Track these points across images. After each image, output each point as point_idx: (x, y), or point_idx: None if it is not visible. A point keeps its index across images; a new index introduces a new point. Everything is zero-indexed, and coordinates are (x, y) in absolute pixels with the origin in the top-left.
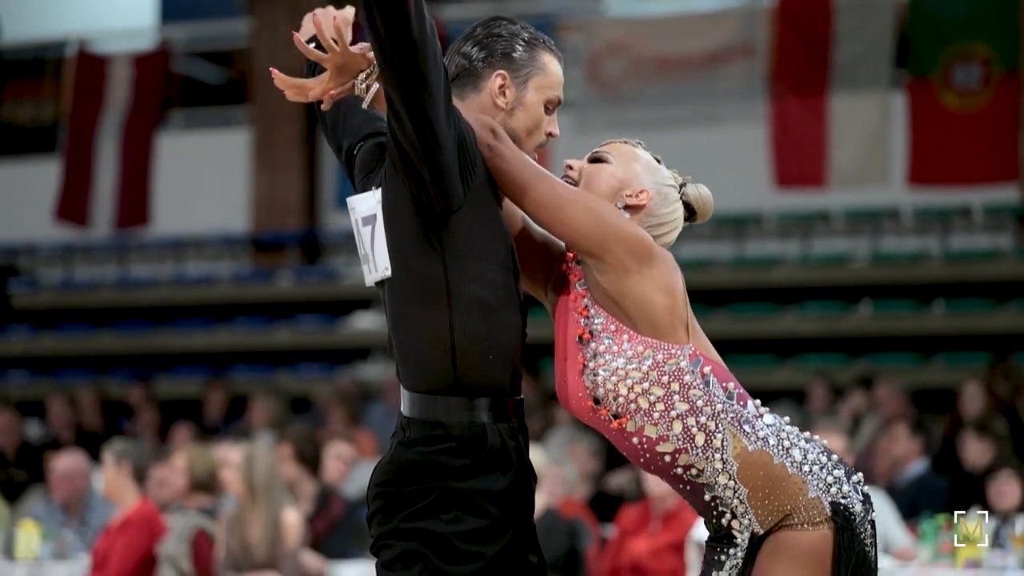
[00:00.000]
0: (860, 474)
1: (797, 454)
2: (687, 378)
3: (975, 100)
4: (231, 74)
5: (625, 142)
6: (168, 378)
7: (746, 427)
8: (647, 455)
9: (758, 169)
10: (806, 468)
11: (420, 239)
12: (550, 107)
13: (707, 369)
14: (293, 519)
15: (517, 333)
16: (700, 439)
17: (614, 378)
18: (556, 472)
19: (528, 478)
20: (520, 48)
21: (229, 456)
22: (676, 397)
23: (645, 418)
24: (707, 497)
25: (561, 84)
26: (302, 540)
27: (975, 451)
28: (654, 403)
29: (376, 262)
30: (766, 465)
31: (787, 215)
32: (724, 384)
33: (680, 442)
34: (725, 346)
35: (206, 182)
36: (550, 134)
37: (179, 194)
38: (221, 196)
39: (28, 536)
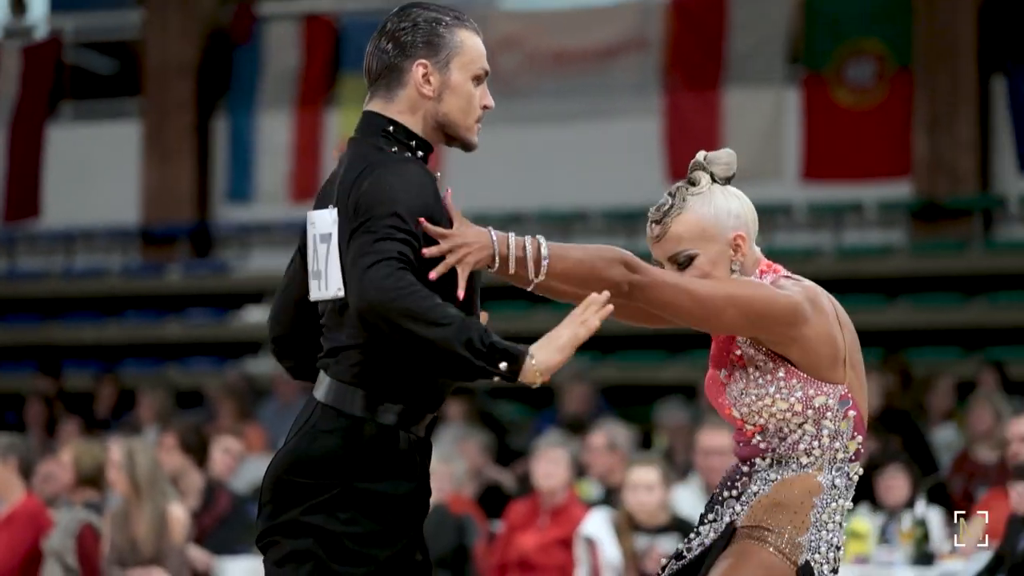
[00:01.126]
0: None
1: (826, 516)
2: (828, 415)
3: (868, 96)
4: (122, 65)
5: (667, 219)
6: (57, 372)
7: (833, 468)
8: (753, 447)
9: (652, 163)
10: (821, 527)
11: None
12: (478, 81)
13: (852, 414)
14: (179, 514)
15: None
16: (803, 458)
17: (759, 403)
18: (445, 469)
19: (427, 490)
20: (434, 32)
21: (112, 452)
22: (810, 428)
23: (777, 438)
24: (742, 475)
25: (483, 55)
26: (188, 535)
27: None
28: (792, 430)
29: (328, 281)
30: (805, 493)
31: None
32: (855, 434)
33: (790, 450)
34: (617, 342)
35: (96, 174)
36: (485, 106)
37: (69, 186)
38: (111, 188)
39: None
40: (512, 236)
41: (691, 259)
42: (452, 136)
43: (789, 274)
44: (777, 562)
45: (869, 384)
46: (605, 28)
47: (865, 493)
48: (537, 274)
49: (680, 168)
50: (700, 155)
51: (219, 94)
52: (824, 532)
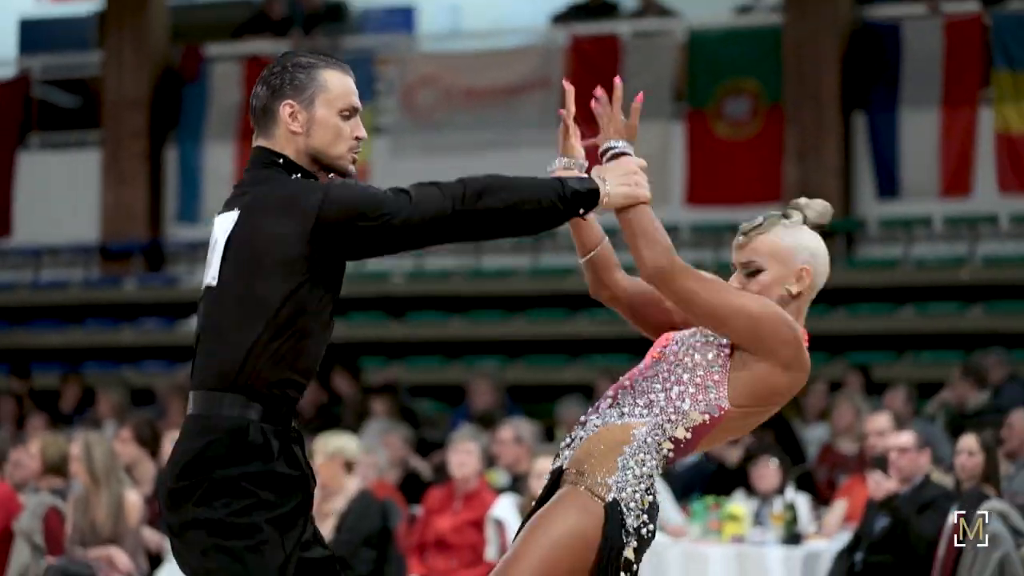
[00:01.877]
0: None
1: (633, 463)
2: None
3: (745, 129)
4: (83, 100)
5: (756, 233)
6: (25, 372)
7: (654, 431)
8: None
9: None
10: (627, 470)
11: (280, 266)
12: (346, 114)
13: (690, 431)
14: (134, 500)
15: (317, 358)
16: (637, 409)
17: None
18: (369, 459)
19: (293, 468)
20: (299, 74)
21: (74, 447)
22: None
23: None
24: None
25: (349, 92)
26: (143, 518)
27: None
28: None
29: (210, 270)
30: (616, 442)
31: None
32: (682, 442)
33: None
34: (524, 347)
35: (60, 197)
36: (357, 137)
37: (36, 208)
38: (74, 209)
39: None
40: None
41: (758, 271)
42: (326, 165)
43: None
44: (587, 500)
45: None
46: (512, 69)
47: (741, 480)
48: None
49: None
50: (802, 199)
51: (170, 126)
52: (630, 474)
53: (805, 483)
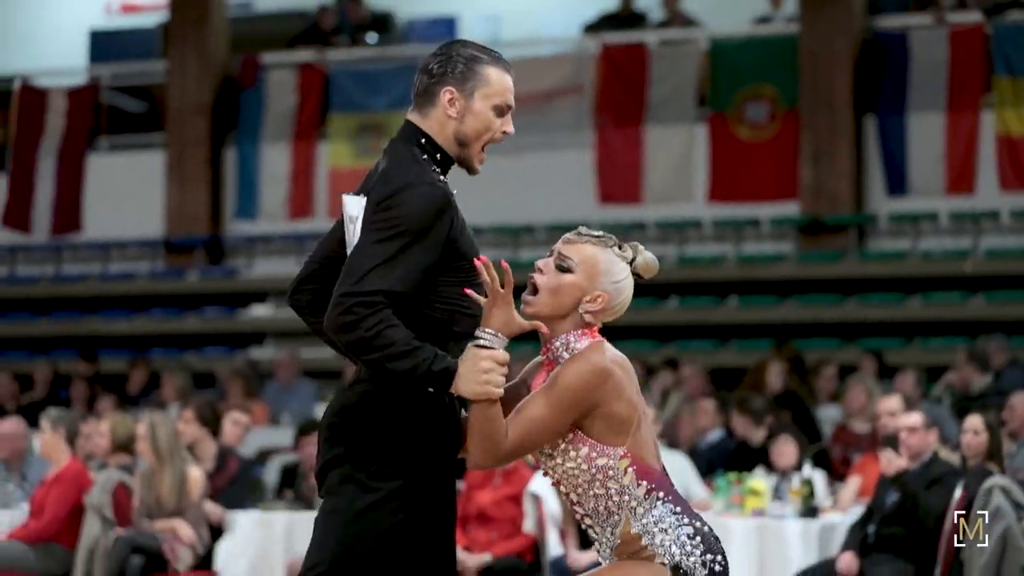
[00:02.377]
0: (720, 557)
1: (662, 527)
2: (611, 473)
3: (763, 132)
4: (149, 106)
5: (588, 242)
6: (95, 357)
7: (640, 510)
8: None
9: (585, 187)
10: (664, 534)
11: None
12: (499, 111)
13: (631, 470)
14: (196, 475)
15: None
16: (604, 513)
17: (550, 462)
18: None
19: (453, 426)
20: (462, 65)
21: (140, 426)
22: (598, 489)
23: (575, 492)
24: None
25: (507, 91)
26: (204, 493)
27: (739, 424)
28: (587, 488)
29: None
30: (637, 541)
31: (608, 226)
32: (639, 481)
33: (592, 511)
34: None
35: (128, 195)
36: (505, 132)
37: (105, 205)
38: (140, 207)
39: None
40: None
41: (568, 270)
42: (464, 157)
43: (602, 339)
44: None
45: (771, 368)
46: (547, 75)
47: (761, 458)
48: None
49: (608, 190)
50: (640, 247)
51: (229, 129)
52: (669, 534)
53: (821, 460)
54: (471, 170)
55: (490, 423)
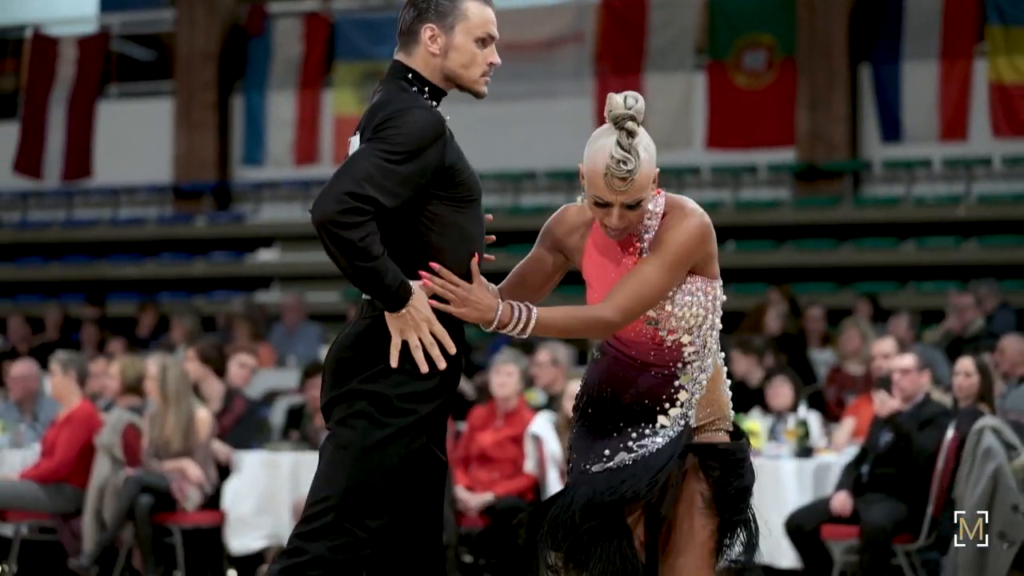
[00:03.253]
0: None
1: (726, 381)
2: (718, 304)
3: (760, 80)
4: (158, 54)
5: (636, 172)
6: (103, 301)
7: (712, 346)
8: (666, 352)
9: (585, 135)
10: (728, 393)
11: None
12: (482, 43)
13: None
14: (204, 416)
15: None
16: (712, 345)
17: (676, 310)
18: None
19: (455, 362)
20: (443, 1)
21: (149, 367)
22: (712, 317)
23: (688, 332)
24: (674, 385)
25: (488, 22)
26: (212, 433)
27: (740, 364)
28: (699, 324)
29: None
30: (719, 379)
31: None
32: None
33: (701, 345)
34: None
35: (137, 142)
36: (491, 63)
37: (115, 152)
38: (149, 153)
39: None
40: (513, 309)
41: (640, 203)
42: (460, 86)
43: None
44: (725, 437)
45: (769, 311)
46: (548, 25)
47: (757, 399)
48: (523, 333)
49: None
50: (621, 102)
51: (236, 77)
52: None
53: (816, 402)
54: (477, 94)
55: (570, 330)
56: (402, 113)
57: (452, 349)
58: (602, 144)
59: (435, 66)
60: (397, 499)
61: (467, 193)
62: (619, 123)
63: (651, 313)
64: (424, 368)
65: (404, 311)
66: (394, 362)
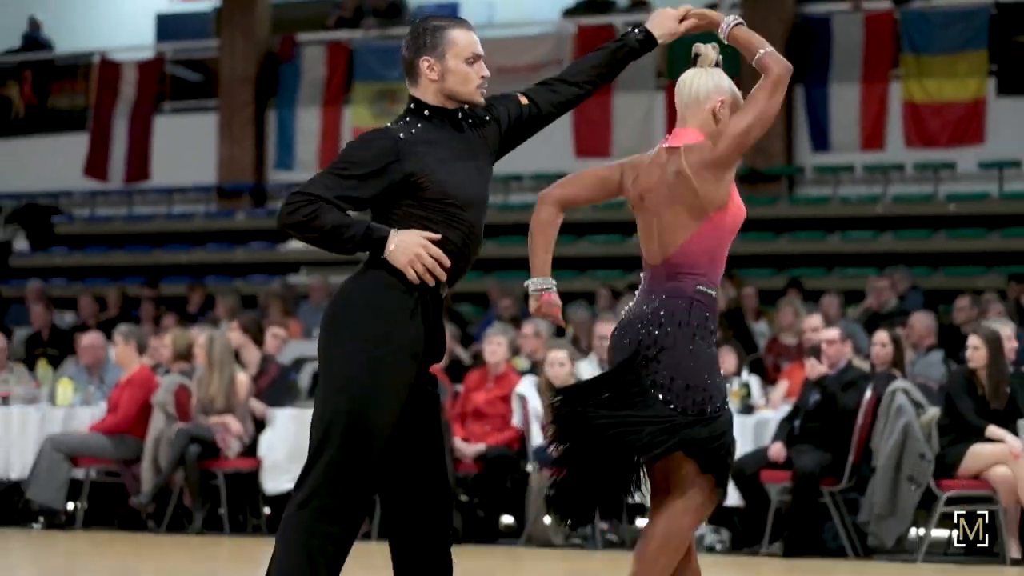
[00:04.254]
0: None
1: None
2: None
3: None
4: (204, 76)
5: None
6: (155, 283)
7: None
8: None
9: (564, 143)
10: None
11: None
12: (471, 62)
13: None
14: (243, 379)
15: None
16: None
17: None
18: None
19: (423, 324)
20: (430, 36)
21: (197, 337)
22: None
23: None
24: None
25: (471, 44)
26: (249, 393)
27: None
28: None
29: None
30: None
31: None
32: None
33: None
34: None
35: (187, 150)
36: (483, 76)
37: (169, 158)
38: (197, 159)
39: (65, 389)
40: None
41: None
42: (460, 101)
43: None
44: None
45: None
46: (533, 51)
47: None
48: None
49: (583, 145)
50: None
51: (270, 96)
52: None
53: (756, 367)
54: (475, 104)
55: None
56: (360, 138)
57: (447, 263)
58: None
59: (436, 89)
60: (371, 430)
61: (437, 196)
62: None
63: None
64: (431, 281)
65: (393, 247)
66: (414, 279)
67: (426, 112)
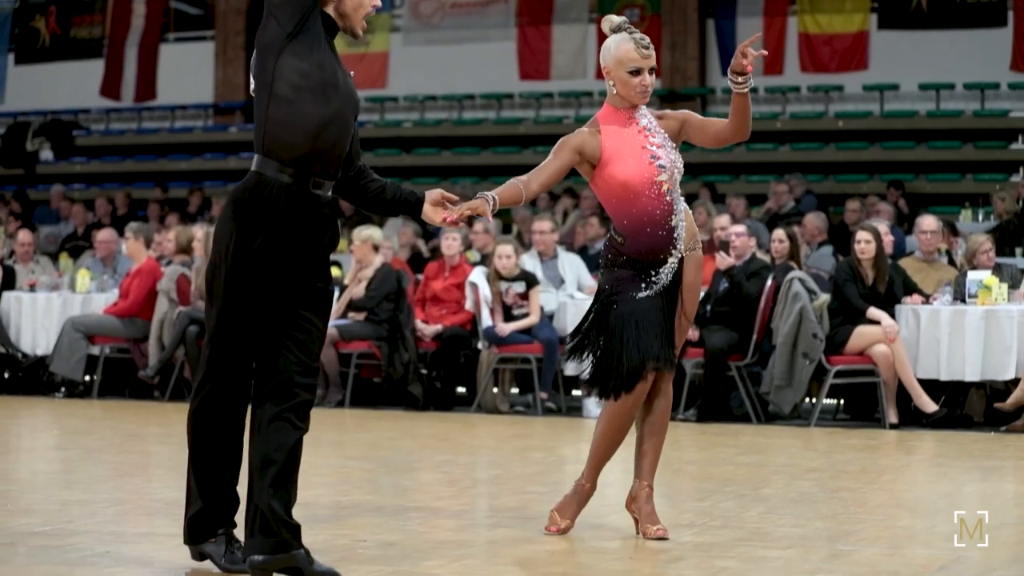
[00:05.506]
0: None
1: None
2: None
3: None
4: (204, 9)
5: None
6: (164, 188)
7: None
8: (671, 210)
9: (511, 68)
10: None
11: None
12: None
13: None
14: None
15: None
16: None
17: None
18: (389, 243)
19: (289, 221)
20: None
21: (196, 233)
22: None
23: (675, 185)
24: (674, 235)
25: None
26: None
27: None
28: (679, 176)
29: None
30: (688, 214)
31: (524, 95)
32: None
33: (678, 194)
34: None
35: (188, 73)
36: (374, 5)
37: (173, 80)
38: (197, 81)
39: (83, 278)
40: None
41: (653, 70)
42: (346, 28)
43: None
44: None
45: None
46: None
47: None
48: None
49: (527, 70)
50: (618, 19)
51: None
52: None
53: None
54: (355, 35)
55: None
56: None
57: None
58: (619, 40)
59: (332, 8)
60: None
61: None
62: (623, 27)
63: (663, 177)
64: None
65: (423, 216)
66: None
67: (327, 24)
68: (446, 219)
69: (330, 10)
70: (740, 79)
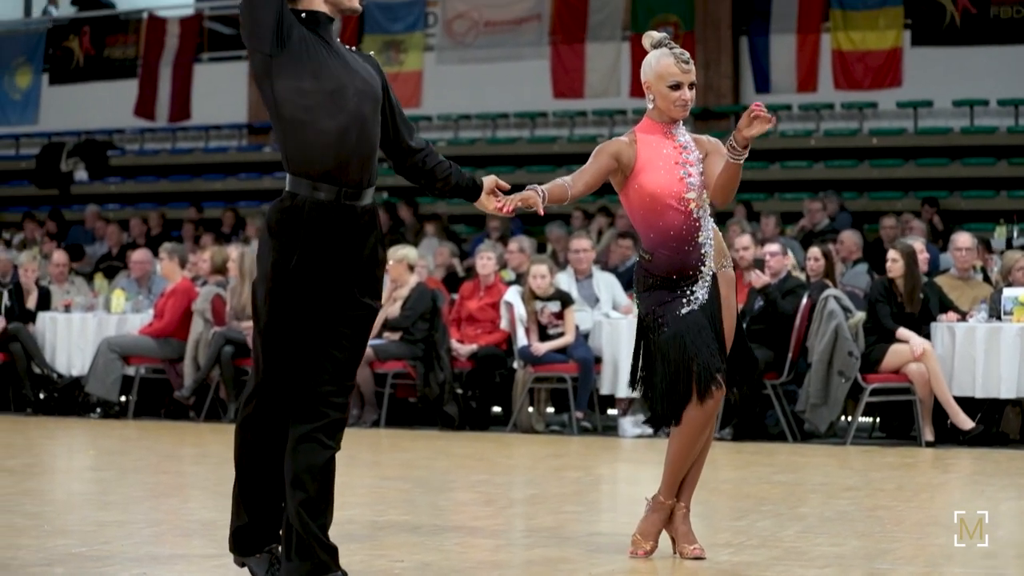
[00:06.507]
0: None
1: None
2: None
3: None
4: (236, 30)
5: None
6: (200, 208)
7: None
8: (697, 227)
9: (544, 87)
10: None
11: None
12: None
13: None
14: None
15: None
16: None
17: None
18: (424, 262)
19: (323, 237)
20: None
21: (231, 253)
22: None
23: (704, 203)
24: (701, 252)
25: None
26: None
27: None
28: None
29: None
30: (716, 233)
31: (558, 114)
32: None
33: (706, 211)
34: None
35: (222, 93)
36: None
37: (207, 100)
38: (231, 101)
39: (118, 298)
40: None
41: (694, 84)
42: (343, 9)
43: None
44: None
45: None
46: (517, 7)
47: None
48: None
49: (560, 88)
50: (658, 35)
51: None
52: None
53: None
54: (354, 11)
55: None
56: None
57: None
58: (659, 55)
59: (320, 2)
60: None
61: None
62: (664, 43)
63: (691, 195)
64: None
65: (477, 203)
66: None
67: (304, 16)
68: (500, 208)
69: (318, 6)
70: (741, 149)
